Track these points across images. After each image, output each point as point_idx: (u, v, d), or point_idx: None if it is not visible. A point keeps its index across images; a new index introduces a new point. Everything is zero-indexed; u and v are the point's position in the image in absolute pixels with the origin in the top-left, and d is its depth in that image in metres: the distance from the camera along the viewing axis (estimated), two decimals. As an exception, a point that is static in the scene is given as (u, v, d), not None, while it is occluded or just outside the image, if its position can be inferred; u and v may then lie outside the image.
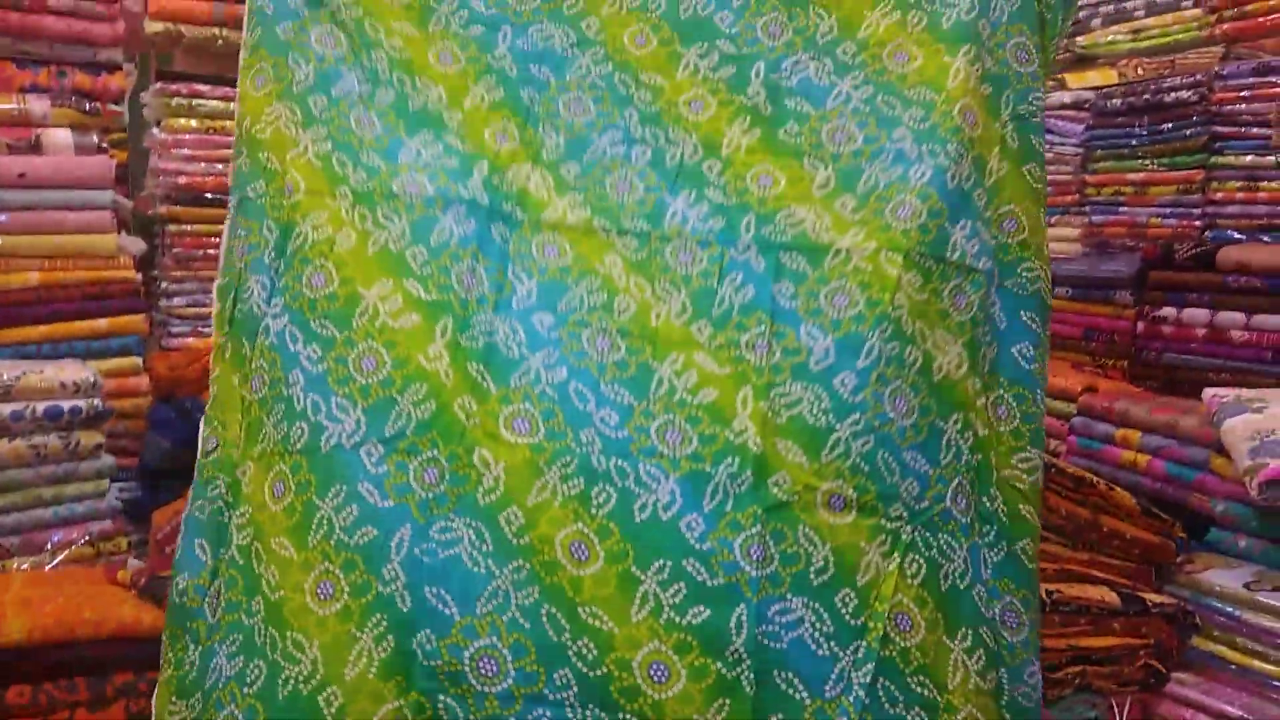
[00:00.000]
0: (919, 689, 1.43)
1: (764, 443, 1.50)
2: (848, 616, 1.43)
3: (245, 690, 1.41)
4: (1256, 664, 1.99)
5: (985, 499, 1.58)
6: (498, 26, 1.77)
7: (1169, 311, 2.87)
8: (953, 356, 1.60)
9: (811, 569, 1.45)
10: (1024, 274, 1.67)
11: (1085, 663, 1.87)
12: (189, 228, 3.12)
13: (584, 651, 1.40)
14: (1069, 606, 1.90)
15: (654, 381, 1.54)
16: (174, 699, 1.47)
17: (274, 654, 1.40)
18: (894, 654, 1.42)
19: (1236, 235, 3.05)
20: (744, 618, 1.41)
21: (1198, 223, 3.19)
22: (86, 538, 2.24)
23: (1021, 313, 1.67)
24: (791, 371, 1.54)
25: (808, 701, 1.39)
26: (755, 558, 1.44)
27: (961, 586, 1.52)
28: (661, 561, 1.43)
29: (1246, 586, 2.08)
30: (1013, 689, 1.53)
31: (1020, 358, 1.66)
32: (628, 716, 1.37)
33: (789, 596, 1.43)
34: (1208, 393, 2.42)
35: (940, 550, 1.51)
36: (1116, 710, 1.91)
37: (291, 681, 1.39)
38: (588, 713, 1.38)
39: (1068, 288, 3.16)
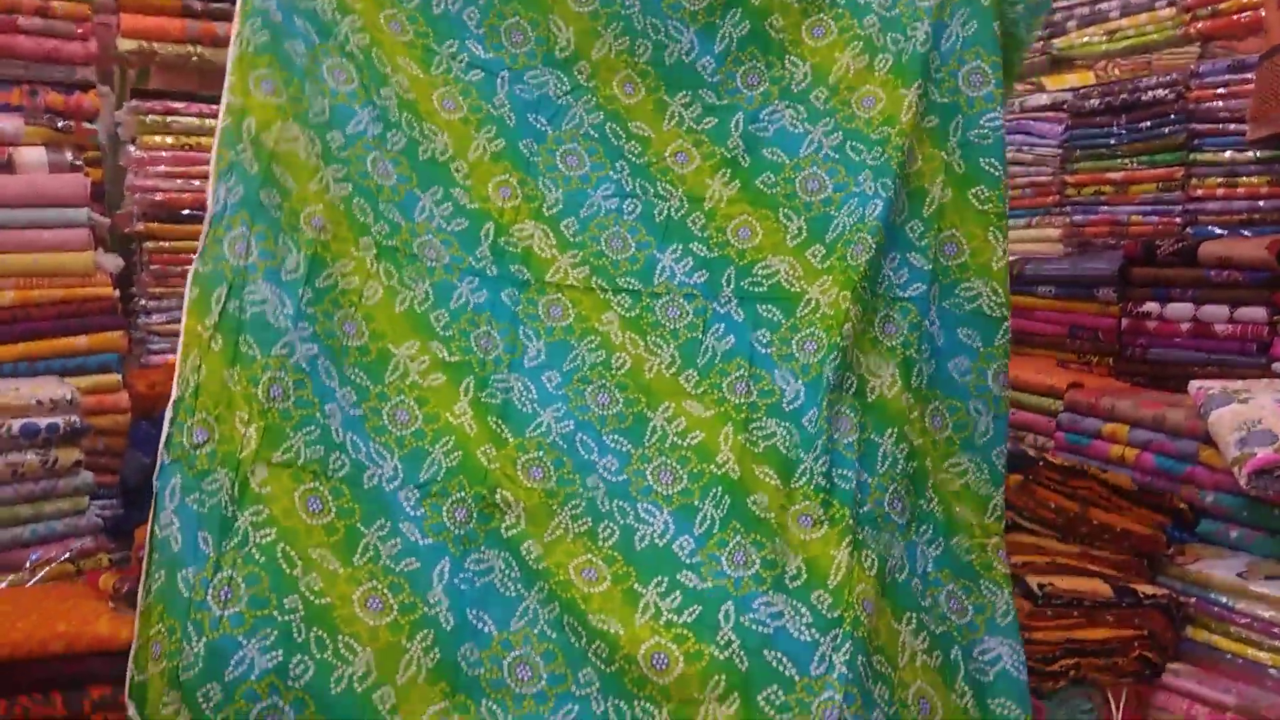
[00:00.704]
0: (879, 666, 1.60)
1: (742, 469, 1.72)
2: (824, 611, 1.59)
3: (290, 683, 1.49)
4: (1251, 652, 1.98)
5: (923, 501, 1.77)
6: (496, 72, 1.92)
7: (1152, 307, 2.86)
8: (886, 378, 1.77)
9: (787, 575, 1.64)
10: (961, 294, 1.84)
11: (1080, 655, 1.86)
12: (166, 244, 3.08)
13: (600, 651, 1.58)
14: (1061, 600, 1.88)
15: (648, 430, 1.78)
16: (167, 690, 1.46)
17: (322, 653, 1.52)
18: (864, 635, 1.58)
19: (1218, 230, 3.06)
20: (730, 610, 1.60)
21: (1178, 219, 3.20)
22: (67, 555, 2.20)
23: (959, 330, 1.83)
24: (767, 410, 1.77)
25: (798, 678, 1.54)
26: (739, 562, 1.66)
27: (900, 579, 1.70)
28: (660, 578, 1.65)
29: (1239, 576, 2.07)
30: (968, 665, 1.69)
31: (955, 371, 1.83)
32: (642, 702, 1.54)
33: (770, 593, 1.62)
34: (1194, 385, 2.42)
35: (885, 546, 1.69)
36: (1113, 702, 1.89)
37: (345, 679, 1.51)
38: (609, 704, 1.56)
39: (1051, 286, 3.16)
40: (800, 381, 1.74)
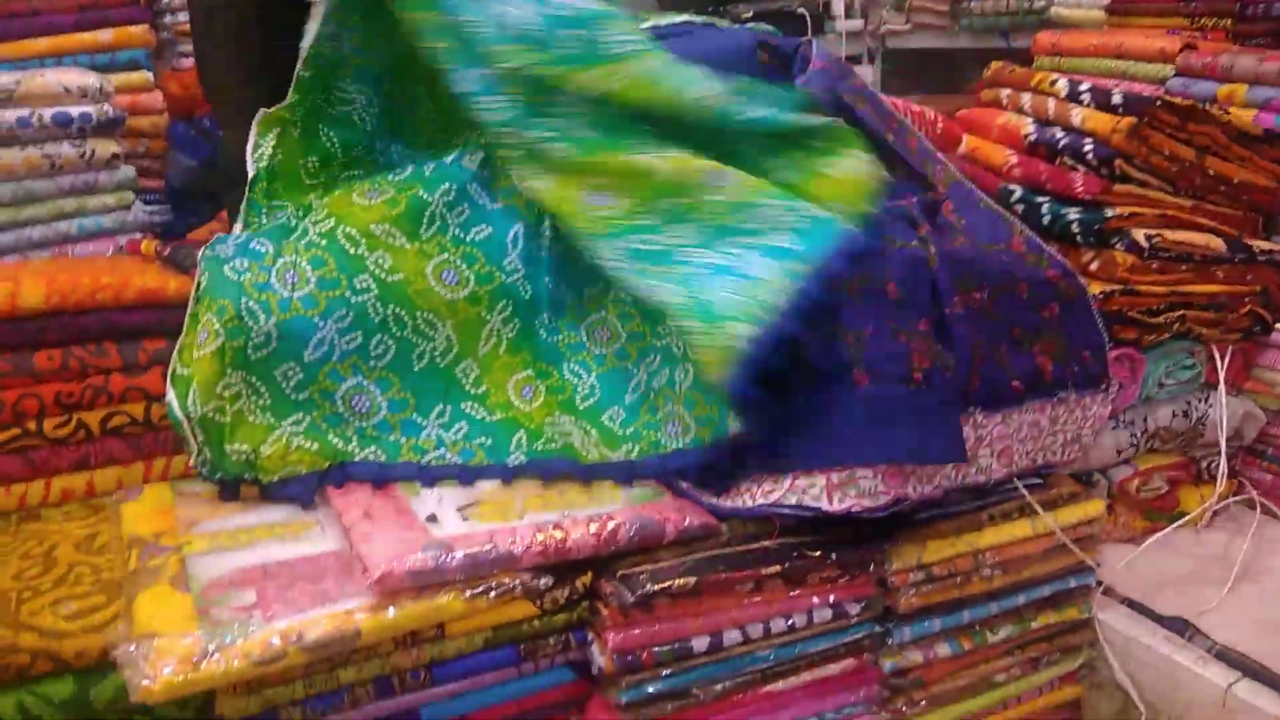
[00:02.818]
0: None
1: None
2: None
3: (372, 364, 1.46)
4: (1376, 306, 1.82)
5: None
6: None
7: (1284, -48, 2.52)
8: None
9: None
10: None
11: (1186, 308, 1.72)
12: (184, -71, 2.85)
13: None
14: (1169, 253, 1.72)
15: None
16: (229, 370, 1.35)
17: (402, 331, 1.47)
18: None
19: None
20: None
21: None
22: (118, 250, 2.15)
23: None
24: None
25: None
26: None
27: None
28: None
29: (1367, 229, 1.89)
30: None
31: None
32: None
33: None
34: (1330, 31, 2.14)
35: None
36: (1218, 357, 1.77)
37: (427, 355, 1.49)
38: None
39: (1166, -59, 2.79)
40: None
